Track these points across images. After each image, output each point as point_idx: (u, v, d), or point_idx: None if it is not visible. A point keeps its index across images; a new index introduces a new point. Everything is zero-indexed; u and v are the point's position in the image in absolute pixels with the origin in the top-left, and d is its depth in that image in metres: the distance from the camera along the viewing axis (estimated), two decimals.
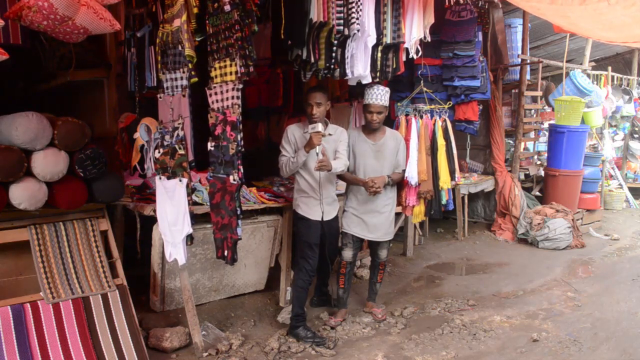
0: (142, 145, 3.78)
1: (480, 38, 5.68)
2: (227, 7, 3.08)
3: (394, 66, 4.19)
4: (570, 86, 7.23)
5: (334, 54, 3.76)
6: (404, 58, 4.21)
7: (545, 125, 8.32)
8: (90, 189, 3.31)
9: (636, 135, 9.63)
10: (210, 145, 3.35)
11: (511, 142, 7.33)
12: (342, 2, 3.62)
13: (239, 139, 3.16)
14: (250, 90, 6.02)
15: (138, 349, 3.20)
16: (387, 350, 3.62)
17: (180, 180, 3.28)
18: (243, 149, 3.20)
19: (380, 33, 3.94)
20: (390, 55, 4.17)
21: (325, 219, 3.79)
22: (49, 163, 3.08)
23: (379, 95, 3.81)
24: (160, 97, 3.45)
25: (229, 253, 3.35)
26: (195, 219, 3.46)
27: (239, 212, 3.27)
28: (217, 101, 3.27)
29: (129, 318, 3.26)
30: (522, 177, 7.82)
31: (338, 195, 4.19)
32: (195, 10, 3.14)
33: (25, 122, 3.00)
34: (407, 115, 4.70)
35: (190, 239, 3.38)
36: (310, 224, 3.77)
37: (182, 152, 3.28)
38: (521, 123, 6.95)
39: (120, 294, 3.31)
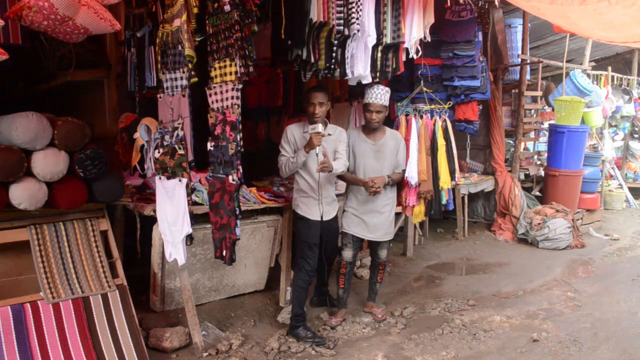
0: (142, 145, 3.78)
1: (480, 38, 5.68)
2: (227, 7, 3.08)
3: (394, 66, 4.19)
4: (570, 86, 7.23)
5: (334, 54, 3.76)
6: (404, 58, 4.21)
7: (545, 125, 8.32)
8: (90, 189, 3.31)
9: (636, 135, 9.63)
10: (209, 145, 3.35)
11: (511, 142, 7.33)
12: (342, 2, 3.62)
13: (238, 139, 3.16)
14: (250, 90, 6.02)
15: (138, 349, 3.20)
16: (387, 350, 3.62)
17: (180, 180, 3.28)
18: (242, 149, 3.20)
19: (380, 33, 3.94)
20: (390, 55, 4.17)
21: (324, 219, 3.80)
22: (49, 163, 3.08)
23: (379, 95, 3.81)
24: (160, 97, 3.45)
25: (228, 253, 3.36)
26: (195, 219, 3.46)
27: (237, 212, 3.27)
28: (216, 101, 3.27)
29: (129, 318, 3.26)
30: (522, 177, 7.82)
31: (338, 195, 4.19)
32: (195, 10, 3.14)
33: (25, 122, 3.00)
34: (407, 115, 4.70)
35: (190, 239, 3.38)
36: (309, 224, 3.77)
37: (181, 152, 3.28)
38: (521, 123, 6.95)
39: (120, 294, 3.31)
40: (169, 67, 3.32)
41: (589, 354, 3.59)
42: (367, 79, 4.04)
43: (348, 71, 3.90)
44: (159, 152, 3.43)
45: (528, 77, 7.25)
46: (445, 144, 4.75)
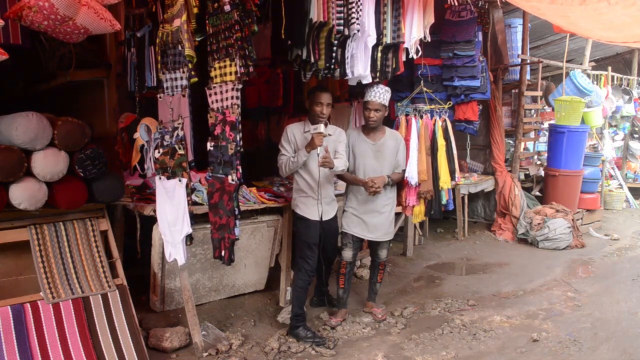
0: (142, 145, 3.78)
1: (480, 38, 5.68)
2: (227, 7, 3.08)
3: (394, 66, 4.19)
4: (570, 86, 7.23)
5: (334, 54, 3.76)
6: (403, 58, 4.21)
7: (545, 125, 8.32)
8: (90, 189, 3.31)
9: (636, 135, 9.63)
10: (209, 145, 3.35)
11: (511, 142, 7.33)
12: (342, 2, 3.62)
13: (238, 139, 3.16)
14: (250, 90, 6.02)
15: (138, 349, 3.20)
16: (387, 350, 3.62)
17: (180, 180, 3.28)
18: (242, 149, 3.20)
19: (380, 33, 3.94)
20: (390, 55, 4.17)
21: (324, 218, 3.80)
22: (49, 163, 3.08)
23: (378, 94, 3.81)
24: (160, 97, 3.45)
25: (226, 253, 3.35)
26: (195, 219, 3.46)
27: (237, 212, 3.27)
28: (216, 101, 3.27)
29: (129, 318, 3.26)
30: (522, 177, 7.82)
31: (338, 195, 4.19)
32: (195, 10, 3.14)
33: (25, 122, 3.00)
34: (407, 115, 4.70)
35: (189, 239, 3.38)
36: (309, 224, 3.77)
37: (181, 152, 3.28)
38: (521, 123, 6.95)
39: (120, 294, 3.31)
40: (169, 67, 3.32)
41: (589, 354, 3.59)
42: (367, 79, 4.04)
43: (348, 71, 3.90)
44: (159, 152, 3.43)
45: (528, 77, 7.25)
46: (445, 144, 4.75)
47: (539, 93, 7.35)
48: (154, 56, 3.61)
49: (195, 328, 3.51)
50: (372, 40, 3.86)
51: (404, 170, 4.15)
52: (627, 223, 7.77)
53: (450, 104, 5.32)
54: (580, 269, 5.58)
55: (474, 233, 6.83)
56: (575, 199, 6.99)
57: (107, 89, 3.68)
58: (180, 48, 3.18)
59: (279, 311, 4.17)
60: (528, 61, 7.03)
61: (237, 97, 3.15)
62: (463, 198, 6.60)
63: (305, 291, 3.81)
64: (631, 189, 9.19)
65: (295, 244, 4.02)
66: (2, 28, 2.73)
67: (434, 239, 6.64)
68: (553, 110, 7.57)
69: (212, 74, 3.28)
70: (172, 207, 3.35)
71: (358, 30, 3.72)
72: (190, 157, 3.31)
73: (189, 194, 3.29)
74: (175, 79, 3.30)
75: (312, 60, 3.68)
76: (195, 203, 3.73)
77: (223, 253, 3.38)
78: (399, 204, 4.42)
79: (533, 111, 7.49)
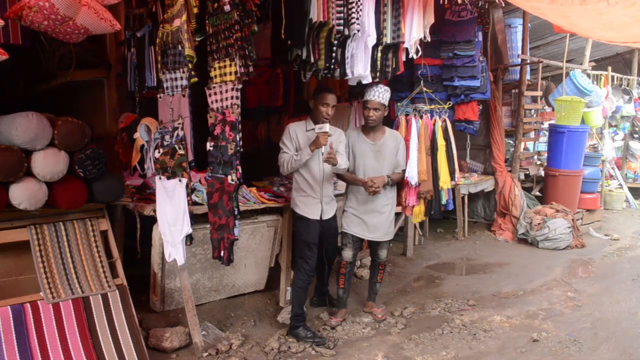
0: (142, 145, 3.78)
1: (480, 38, 5.68)
2: (227, 7, 3.08)
3: (394, 66, 4.19)
4: (570, 86, 7.23)
5: (334, 54, 3.76)
6: (403, 58, 4.21)
7: (545, 125, 8.32)
8: (90, 189, 3.31)
9: (636, 135, 9.63)
10: (209, 145, 3.35)
11: (511, 142, 7.33)
12: (342, 2, 3.62)
13: (237, 139, 3.15)
14: (250, 90, 6.02)
15: (138, 349, 3.20)
16: (387, 350, 3.62)
17: (180, 181, 3.28)
18: (242, 149, 3.20)
19: (380, 33, 3.94)
20: (390, 55, 4.17)
21: (324, 218, 3.81)
22: (49, 163, 3.08)
23: (378, 93, 3.82)
24: (160, 97, 3.45)
25: (226, 253, 3.35)
26: (195, 219, 3.46)
27: (236, 213, 3.27)
28: (216, 101, 3.27)
29: (129, 318, 3.26)
30: (522, 177, 7.82)
31: (338, 195, 4.20)
32: (195, 10, 3.14)
33: (25, 122, 3.00)
34: (407, 115, 4.70)
35: (189, 239, 3.38)
36: (309, 224, 3.77)
37: (182, 152, 3.28)
38: (521, 123, 6.95)
39: (120, 294, 3.31)
40: (169, 67, 3.32)
41: (589, 354, 3.59)
42: (367, 79, 4.04)
43: (348, 71, 3.90)
44: (159, 152, 3.43)
45: (528, 77, 7.24)
46: (445, 144, 4.75)
47: (539, 93, 7.35)
48: (154, 56, 3.61)
49: (195, 328, 3.51)
50: (372, 40, 3.86)
51: (403, 170, 4.15)
52: (627, 223, 7.77)
53: (450, 104, 5.32)
54: (580, 269, 5.58)
55: (474, 233, 6.83)
56: (575, 199, 6.99)
57: (107, 89, 3.68)
58: (180, 48, 3.18)
59: (279, 311, 4.17)
60: (528, 61, 7.03)
61: (237, 97, 3.14)
62: (463, 198, 6.60)
63: (305, 291, 3.81)
64: (631, 189, 9.19)
65: (295, 244, 4.02)
66: (2, 28, 2.73)
67: (434, 239, 6.64)
68: (553, 110, 7.57)
69: (212, 74, 3.28)
70: (172, 207, 3.35)
71: (358, 30, 3.73)
72: (190, 157, 3.30)
73: (189, 194, 3.29)
74: (175, 79, 3.30)
75: (312, 60, 3.68)
76: (195, 203, 3.73)
77: (222, 253, 3.38)
78: (399, 204, 4.42)
79: (533, 111, 7.49)
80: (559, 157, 6.97)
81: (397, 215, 4.47)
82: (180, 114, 3.29)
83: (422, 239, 6.37)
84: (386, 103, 3.91)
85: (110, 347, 3.12)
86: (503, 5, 4.20)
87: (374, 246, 4.14)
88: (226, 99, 3.19)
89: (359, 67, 3.92)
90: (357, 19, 3.67)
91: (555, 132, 7.04)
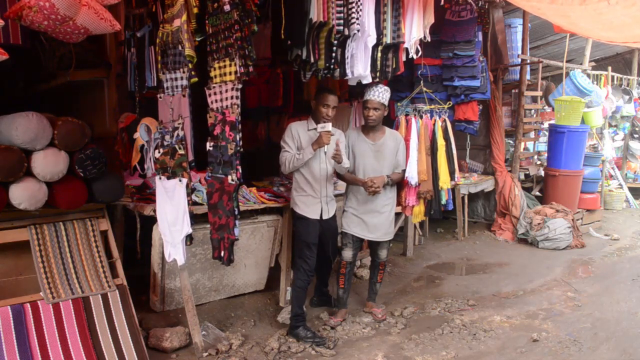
0: (142, 145, 3.78)
1: (480, 38, 5.68)
2: (227, 7, 3.08)
3: (394, 66, 4.19)
4: (570, 86, 7.23)
5: (334, 54, 3.76)
6: (404, 58, 4.21)
7: (545, 125, 8.32)
8: (90, 189, 3.31)
9: (636, 135, 9.63)
10: (209, 145, 3.35)
11: (511, 142, 7.33)
12: (342, 2, 3.62)
13: (237, 139, 3.15)
14: (250, 90, 6.02)
15: (138, 349, 3.20)
16: (387, 350, 3.62)
17: (180, 180, 3.28)
18: (242, 149, 3.20)
19: (380, 33, 3.94)
20: (390, 55, 4.17)
21: (324, 217, 3.81)
22: (49, 163, 3.08)
23: (378, 93, 3.82)
24: (160, 97, 3.45)
25: (226, 254, 3.35)
26: (195, 219, 3.46)
27: (236, 213, 3.27)
28: (216, 101, 3.27)
29: (129, 318, 3.26)
30: (522, 177, 7.82)
31: (338, 195, 4.20)
32: (195, 10, 3.14)
33: (25, 122, 3.00)
34: (407, 115, 4.71)
35: (189, 239, 3.37)
36: (308, 223, 3.77)
37: (182, 152, 3.28)
38: (521, 123, 6.95)
39: (120, 294, 3.31)
40: (169, 67, 3.32)
41: (589, 354, 3.59)
42: (367, 79, 4.04)
43: (348, 71, 3.90)
44: (159, 152, 3.43)
45: (528, 77, 7.24)
46: (445, 144, 4.75)
47: (539, 93, 7.35)
48: (154, 56, 3.61)
49: (195, 328, 3.50)
50: (372, 40, 3.86)
51: (403, 170, 4.15)
52: (627, 223, 7.77)
53: (450, 104, 5.32)
54: (580, 269, 5.58)
55: (474, 233, 6.83)
56: (575, 199, 6.99)
57: (107, 89, 3.68)
58: (180, 48, 3.18)
59: (279, 311, 4.17)
60: (528, 61, 7.03)
61: (236, 97, 3.14)
62: (463, 198, 6.60)
63: (305, 291, 3.81)
64: (631, 189, 9.19)
65: (295, 244, 4.02)
66: (2, 28, 2.73)
67: (434, 239, 6.64)
68: (553, 110, 7.58)
69: (212, 74, 3.28)
70: (172, 207, 3.35)
71: (358, 30, 3.73)
72: (191, 157, 3.30)
73: (189, 194, 3.29)
74: (175, 79, 3.30)
75: (312, 60, 3.68)
76: (195, 203, 3.73)
77: (222, 253, 3.38)
78: (398, 204, 4.42)
79: (533, 111, 7.49)
80: (559, 157, 6.98)
81: (397, 215, 4.47)
82: (180, 114, 3.29)
83: (422, 239, 6.37)
84: (386, 103, 3.91)
85: (110, 347, 3.12)
86: (504, 4, 4.20)
87: (374, 246, 4.14)
88: (226, 98, 3.19)
89: (359, 67, 3.92)
90: (357, 19, 3.67)
91: (555, 132, 7.04)
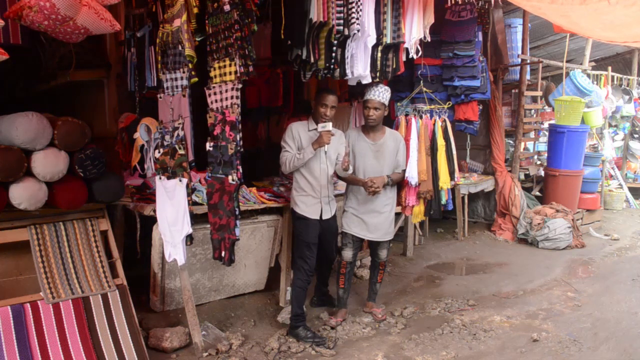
0: (142, 145, 3.78)
1: (480, 38, 5.67)
2: (227, 7, 3.08)
3: (394, 66, 4.19)
4: (570, 86, 7.23)
5: (333, 54, 3.76)
6: (404, 58, 4.21)
7: (545, 125, 8.32)
8: (90, 189, 3.31)
9: (636, 135, 9.63)
10: (208, 146, 3.35)
11: (511, 142, 7.33)
12: (342, 2, 3.61)
13: (238, 139, 3.15)
14: (250, 90, 6.02)
15: (138, 349, 3.20)
16: (387, 350, 3.62)
17: (180, 181, 3.28)
18: (242, 149, 3.20)
19: (380, 33, 3.94)
20: (390, 55, 4.17)
21: (323, 217, 3.81)
22: (49, 163, 3.08)
23: (378, 92, 3.82)
24: (160, 97, 3.45)
25: (227, 254, 3.35)
26: (195, 219, 3.46)
27: (237, 213, 3.27)
28: (216, 101, 3.27)
29: (129, 318, 3.26)
30: (522, 177, 7.82)
31: (338, 195, 4.20)
32: (195, 10, 3.14)
33: (25, 122, 3.00)
34: (407, 115, 4.70)
35: (190, 239, 3.37)
36: (308, 223, 3.77)
37: (182, 152, 3.28)
38: (521, 123, 6.95)
39: (120, 294, 3.31)
40: (169, 67, 3.32)
41: (589, 354, 3.59)
42: (367, 79, 4.04)
43: (348, 71, 3.90)
44: (159, 152, 3.43)
45: (528, 77, 7.25)
46: (445, 144, 4.75)
47: (539, 93, 7.35)
48: (154, 56, 3.61)
49: (195, 328, 3.50)
50: (371, 40, 3.86)
51: (404, 171, 4.14)
52: (627, 223, 7.77)
53: (450, 104, 5.32)
54: (580, 269, 5.58)
55: (474, 233, 6.83)
56: (575, 199, 6.99)
57: (107, 89, 3.68)
58: (180, 48, 3.18)
59: (279, 311, 4.17)
60: (528, 61, 7.03)
61: (237, 97, 3.15)
62: (463, 198, 6.60)
63: (305, 291, 3.81)
64: (631, 189, 9.20)
65: (295, 244, 4.02)
66: (2, 28, 2.72)
67: (434, 239, 6.64)
68: (553, 110, 7.57)
69: (212, 74, 3.28)
70: (172, 207, 3.35)
71: (358, 30, 3.73)
72: (191, 157, 3.30)
73: (189, 194, 3.29)
74: (176, 79, 3.30)
75: (312, 60, 3.68)
76: (195, 203, 3.73)
77: (223, 254, 3.38)
78: (398, 204, 4.42)
79: (533, 111, 7.49)
80: (559, 157, 6.98)
81: (397, 215, 4.47)
82: (181, 114, 3.29)
83: (422, 239, 6.37)
84: (386, 102, 3.91)
85: (110, 347, 3.12)
86: (504, 4, 4.20)
87: (374, 246, 4.14)
88: (226, 98, 3.19)
89: (359, 67, 3.92)
90: (357, 19, 3.67)
91: (555, 132, 7.04)
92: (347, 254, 4.03)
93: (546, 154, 7.43)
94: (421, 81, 5.11)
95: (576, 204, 7.01)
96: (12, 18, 2.55)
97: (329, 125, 3.56)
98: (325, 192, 3.81)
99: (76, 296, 3.16)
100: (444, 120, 4.79)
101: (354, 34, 3.74)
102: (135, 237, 3.93)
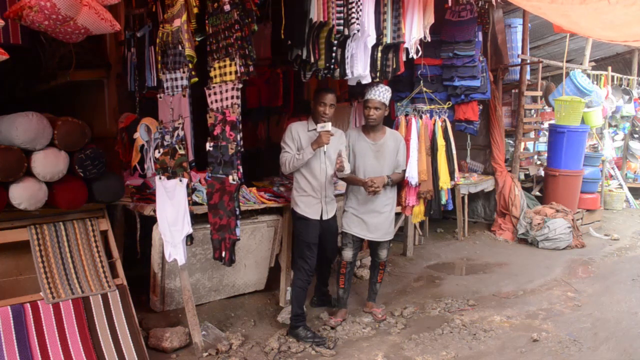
0: (142, 145, 3.78)
1: (480, 38, 5.67)
2: (227, 7, 3.08)
3: (394, 66, 4.19)
4: (570, 86, 7.23)
5: (334, 54, 3.76)
6: (404, 58, 4.21)
7: (545, 125, 8.32)
8: (90, 189, 3.31)
9: (636, 135, 9.63)
10: (209, 146, 3.35)
11: (511, 142, 7.33)
12: (342, 2, 3.62)
13: (238, 139, 3.15)
14: (250, 90, 6.02)
15: (138, 349, 3.20)
16: (387, 350, 3.62)
17: (181, 180, 3.28)
18: (243, 149, 3.19)
19: (380, 33, 3.94)
20: (390, 55, 4.17)
21: (324, 218, 3.81)
22: (49, 163, 3.08)
23: (379, 92, 3.82)
24: (160, 97, 3.45)
25: (227, 254, 3.35)
26: (196, 219, 3.46)
27: (237, 213, 3.26)
28: (216, 101, 3.27)
29: (129, 318, 3.26)
30: (522, 177, 7.82)
31: (338, 195, 4.20)
32: (195, 10, 3.14)
33: (25, 122, 3.00)
34: (407, 115, 4.70)
35: (190, 239, 3.37)
36: (308, 224, 3.77)
37: (182, 152, 3.28)
38: (521, 123, 6.95)
39: (120, 294, 3.31)
40: (169, 67, 3.32)
41: (589, 354, 3.59)
42: (367, 79, 4.04)
43: (348, 71, 3.90)
44: (159, 152, 3.43)
45: (528, 77, 7.25)
46: (445, 144, 4.75)
47: (539, 93, 7.35)
48: (154, 56, 3.61)
49: (195, 328, 3.50)
50: (371, 40, 3.86)
51: (404, 171, 4.14)
52: (627, 223, 7.77)
53: (450, 104, 5.32)
54: (580, 269, 5.58)
55: (474, 233, 6.83)
56: (575, 199, 6.99)
57: (107, 89, 3.68)
58: (180, 48, 3.18)
59: (279, 311, 4.17)
60: (528, 61, 7.03)
61: (237, 97, 3.14)
62: (463, 198, 6.60)
63: (305, 291, 3.81)
64: (631, 189, 9.19)
65: (295, 244, 4.02)
66: (2, 28, 2.72)
67: (434, 239, 6.64)
68: (553, 110, 7.58)
69: (212, 74, 3.28)
70: (172, 207, 3.35)
71: (358, 30, 3.73)
72: (191, 157, 3.30)
73: (189, 194, 3.29)
74: (176, 79, 3.30)
75: (312, 60, 3.68)
76: (195, 203, 3.73)
77: (224, 254, 3.38)
78: (399, 204, 4.42)
79: (533, 111, 7.49)
80: (559, 157, 6.98)
81: (397, 215, 4.47)
82: (181, 114, 3.29)
83: (422, 239, 6.37)
84: (387, 102, 3.91)
85: (110, 347, 3.12)
86: (504, 3, 4.20)
87: (374, 246, 4.14)
88: (226, 98, 3.19)
89: (359, 67, 3.93)
90: (357, 19, 3.67)
91: (555, 132, 7.04)
92: (347, 254, 4.03)
93: (546, 154, 7.43)
94: (421, 81, 5.11)
95: (576, 204, 7.01)
96: (12, 18, 2.55)
97: (328, 125, 3.56)
98: (326, 193, 3.81)
99: (76, 296, 3.16)
100: (444, 120, 4.79)
101: (354, 34, 3.74)
102: (135, 237, 3.93)
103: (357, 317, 4.15)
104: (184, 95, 3.24)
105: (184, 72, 3.22)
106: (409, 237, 5.91)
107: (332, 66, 3.80)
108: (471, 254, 6.11)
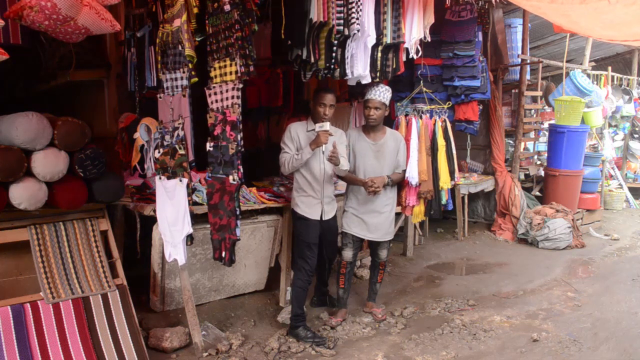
0: (142, 145, 3.78)
1: (480, 38, 5.68)
2: (227, 7, 3.08)
3: (394, 66, 4.19)
4: (570, 86, 7.23)
5: (334, 54, 3.76)
6: (404, 58, 4.21)
7: (545, 125, 8.32)
8: (90, 189, 3.31)
9: (636, 135, 9.63)
10: (209, 146, 3.35)
11: (511, 142, 7.33)
12: (342, 2, 3.62)
13: (239, 138, 3.15)
14: (250, 90, 6.02)
15: (138, 349, 3.20)
16: (387, 350, 3.62)
17: (181, 180, 3.28)
18: (243, 149, 3.19)
19: (380, 33, 3.94)
20: (390, 55, 4.17)
21: (324, 218, 3.81)
22: (49, 163, 3.08)
23: (379, 92, 3.82)
24: (160, 97, 3.45)
25: (227, 254, 3.35)
26: (196, 219, 3.46)
27: (238, 213, 3.26)
28: (216, 101, 3.27)
29: (129, 318, 3.26)
30: (522, 177, 7.82)
31: (338, 195, 4.20)
32: (195, 10, 3.14)
33: (25, 122, 3.00)
34: (407, 115, 4.70)
35: (190, 239, 3.37)
36: (309, 224, 3.77)
37: (182, 152, 3.28)
38: (521, 123, 6.95)
39: (120, 294, 3.31)
40: (169, 67, 3.32)
41: (589, 354, 3.59)
42: (367, 79, 4.04)
43: (348, 71, 3.90)
44: (159, 152, 3.43)
45: (528, 77, 7.25)
46: (445, 144, 4.75)
47: (539, 93, 7.35)
48: (154, 56, 3.61)
49: (195, 328, 3.50)
50: (371, 40, 3.86)
51: (404, 171, 4.14)
52: (627, 223, 7.77)
53: (450, 104, 5.32)
54: (580, 269, 5.58)
55: (474, 233, 6.83)
56: (575, 199, 6.99)
57: (107, 89, 3.68)
58: (180, 48, 3.18)
59: (279, 311, 4.17)
60: (528, 61, 7.03)
61: (237, 97, 3.14)
62: (463, 198, 6.60)
63: (305, 291, 3.81)
64: (631, 189, 9.19)
65: (295, 244, 4.02)
66: (2, 28, 2.72)
67: (434, 239, 6.64)
68: (553, 110, 7.58)
69: (212, 74, 3.28)
70: (172, 207, 3.35)
71: (358, 30, 3.73)
72: (191, 157, 3.30)
73: (189, 194, 3.29)
74: (176, 79, 3.30)
75: (312, 60, 3.68)
76: (195, 203, 3.73)
77: (224, 254, 3.37)
78: (399, 204, 4.42)
79: (533, 111, 7.49)
80: (559, 157, 6.98)
81: (397, 215, 4.47)
82: (181, 114, 3.29)
83: (422, 239, 6.37)
84: (387, 102, 3.91)
85: (110, 347, 3.12)
86: (504, 3, 4.20)
87: (374, 246, 4.14)
88: (226, 98, 3.19)
89: (359, 67, 3.93)
90: (357, 19, 3.67)
91: (555, 132, 7.04)
92: (347, 254, 4.03)
93: (546, 154, 7.43)
94: (421, 81, 5.11)
95: (576, 204, 7.01)
96: (13, 18, 2.55)
97: (326, 125, 3.55)
98: (326, 193, 3.81)
99: (76, 296, 3.16)
100: (444, 120, 4.79)
101: (354, 34, 3.74)
102: (135, 237, 3.93)
103: (357, 317, 4.15)
104: (184, 95, 3.24)
105: (184, 72, 3.22)
106: (409, 237, 5.91)
107: (332, 66, 3.80)
108: (471, 254, 6.11)
